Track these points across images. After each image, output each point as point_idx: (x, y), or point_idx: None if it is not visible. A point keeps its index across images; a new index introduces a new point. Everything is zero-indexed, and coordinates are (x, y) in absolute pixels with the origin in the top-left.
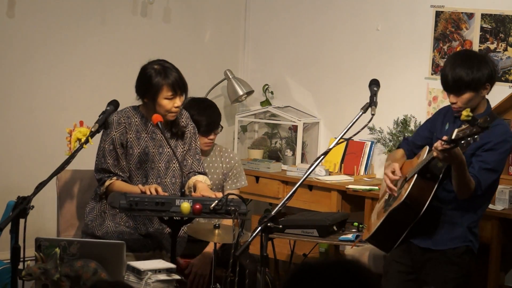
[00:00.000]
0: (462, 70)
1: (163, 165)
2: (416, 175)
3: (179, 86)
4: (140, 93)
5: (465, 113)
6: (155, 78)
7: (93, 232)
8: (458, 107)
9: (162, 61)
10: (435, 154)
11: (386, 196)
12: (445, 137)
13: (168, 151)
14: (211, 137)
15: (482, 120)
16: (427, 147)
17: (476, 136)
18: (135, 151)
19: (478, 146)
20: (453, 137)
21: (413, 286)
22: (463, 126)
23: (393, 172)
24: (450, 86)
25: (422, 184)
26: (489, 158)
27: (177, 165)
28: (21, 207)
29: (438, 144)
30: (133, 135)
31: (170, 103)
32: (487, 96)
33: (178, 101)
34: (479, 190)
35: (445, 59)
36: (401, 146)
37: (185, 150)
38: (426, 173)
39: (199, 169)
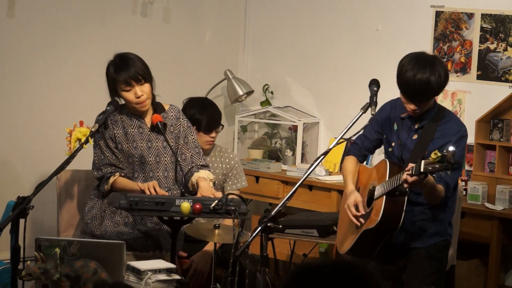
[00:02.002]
0: (432, 76)
1: (153, 159)
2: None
3: (132, 77)
4: (109, 91)
5: (434, 156)
6: (112, 73)
7: (92, 231)
8: (417, 112)
9: (119, 54)
10: (405, 186)
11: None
12: (410, 165)
13: (157, 145)
14: (213, 135)
15: (450, 155)
16: (387, 161)
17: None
18: (124, 146)
19: (437, 148)
20: (421, 170)
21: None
22: (430, 159)
23: (356, 207)
24: (419, 94)
25: (392, 202)
26: None
27: (168, 159)
28: (21, 207)
29: (407, 178)
30: (121, 131)
31: (130, 94)
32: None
33: (138, 91)
34: (449, 192)
35: (402, 63)
36: (351, 152)
37: (178, 144)
38: (395, 192)
39: (200, 161)
